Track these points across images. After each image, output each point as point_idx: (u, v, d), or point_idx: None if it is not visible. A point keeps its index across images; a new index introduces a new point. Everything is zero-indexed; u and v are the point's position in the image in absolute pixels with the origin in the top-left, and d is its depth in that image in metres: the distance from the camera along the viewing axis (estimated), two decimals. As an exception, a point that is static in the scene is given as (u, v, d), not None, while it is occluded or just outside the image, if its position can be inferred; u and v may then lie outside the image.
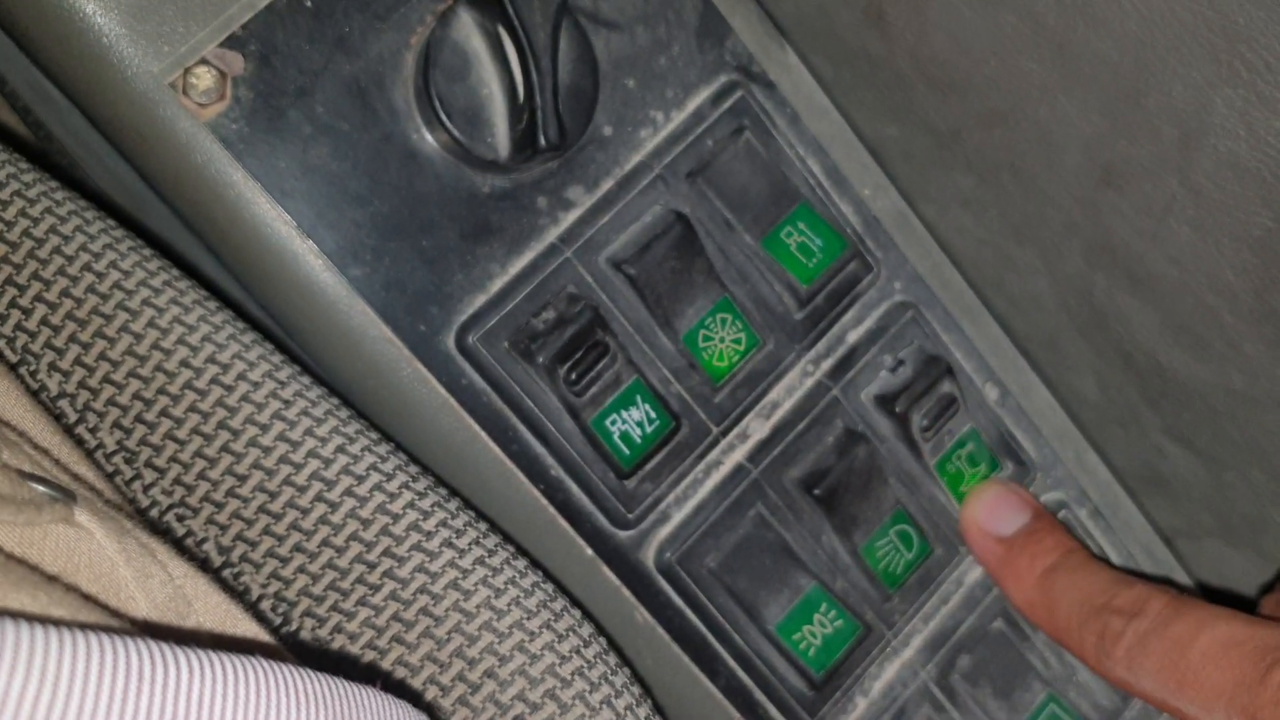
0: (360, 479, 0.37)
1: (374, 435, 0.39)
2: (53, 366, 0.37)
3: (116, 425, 0.37)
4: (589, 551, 0.44)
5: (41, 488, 0.26)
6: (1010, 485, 0.50)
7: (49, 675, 0.18)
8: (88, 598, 0.25)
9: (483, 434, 0.43)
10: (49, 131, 0.55)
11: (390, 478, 0.37)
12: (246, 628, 0.29)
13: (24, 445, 0.28)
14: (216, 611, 0.29)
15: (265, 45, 0.41)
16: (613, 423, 0.44)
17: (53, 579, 0.24)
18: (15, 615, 0.21)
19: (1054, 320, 0.54)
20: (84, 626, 0.20)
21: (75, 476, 0.33)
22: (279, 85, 0.41)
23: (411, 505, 0.37)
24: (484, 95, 0.41)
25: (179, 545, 0.36)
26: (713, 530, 0.45)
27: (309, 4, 0.41)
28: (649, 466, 0.45)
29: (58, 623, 0.20)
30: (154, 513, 0.37)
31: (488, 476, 0.43)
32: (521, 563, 0.38)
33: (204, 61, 0.40)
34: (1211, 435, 0.52)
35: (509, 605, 0.36)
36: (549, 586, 0.38)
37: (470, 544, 0.37)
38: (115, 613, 0.26)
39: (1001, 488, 0.49)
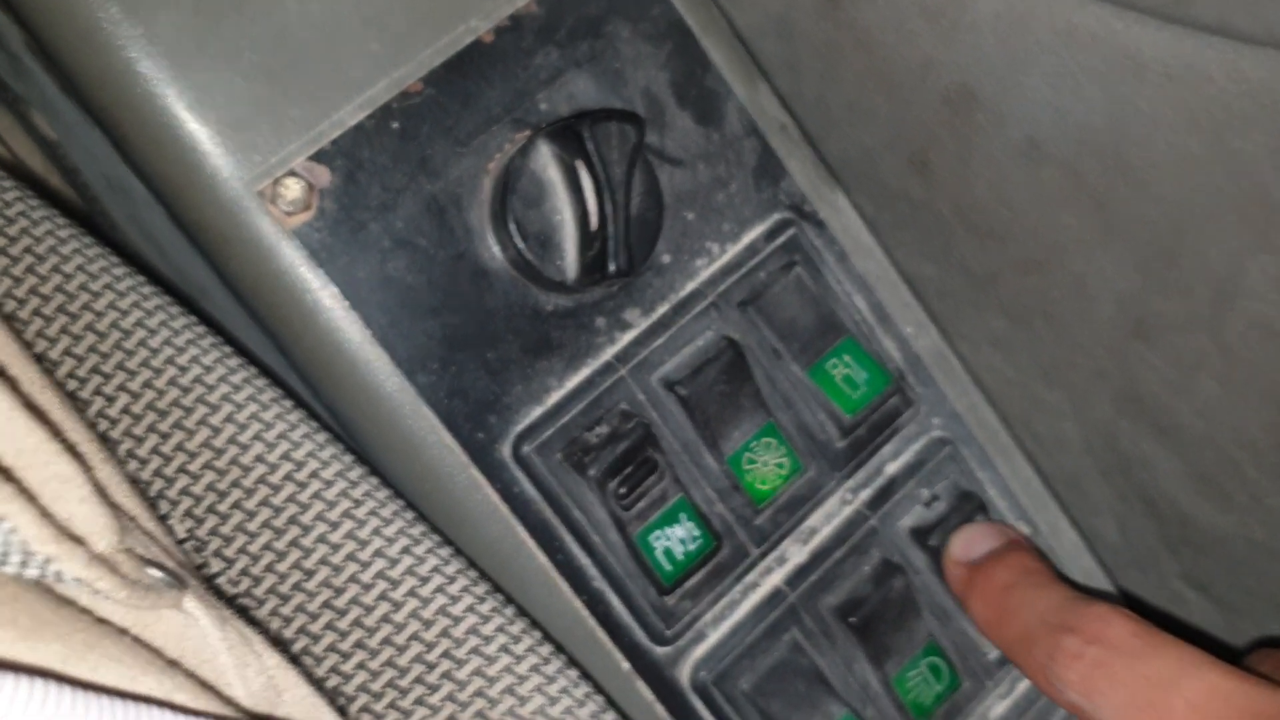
0: (424, 580, 0.38)
1: (436, 538, 0.40)
2: (130, 454, 0.39)
3: (188, 514, 0.38)
4: (625, 665, 0.45)
5: (158, 573, 0.27)
6: (991, 522, 0.50)
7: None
8: (204, 684, 0.26)
9: (530, 542, 0.44)
10: (113, 221, 0.57)
11: (452, 580, 0.38)
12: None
13: (136, 530, 0.30)
14: (303, 704, 0.30)
15: (351, 161, 0.43)
16: (656, 538, 0.45)
17: (174, 664, 0.25)
18: (147, 700, 0.22)
19: (1078, 462, 0.55)
20: (213, 717, 0.21)
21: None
22: (362, 199, 0.43)
23: (472, 609, 0.38)
24: (556, 221, 0.43)
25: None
26: (748, 652, 0.46)
27: (395, 125, 0.43)
28: (689, 584, 0.46)
29: (183, 709, 0.22)
30: (217, 603, 0.38)
31: (532, 584, 0.44)
32: (574, 672, 0.39)
33: (293, 173, 0.42)
34: (1229, 584, 0.54)
35: (563, 714, 0.37)
36: (599, 699, 0.39)
37: (527, 650, 0.38)
38: (226, 700, 0.27)
39: (980, 524, 0.49)
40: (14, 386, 0.27)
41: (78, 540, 0.25)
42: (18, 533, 0.23)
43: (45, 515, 0.24)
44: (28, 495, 0.24)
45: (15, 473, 0.24)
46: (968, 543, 0.48)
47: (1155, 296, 0.47)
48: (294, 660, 0.37)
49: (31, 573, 0.24)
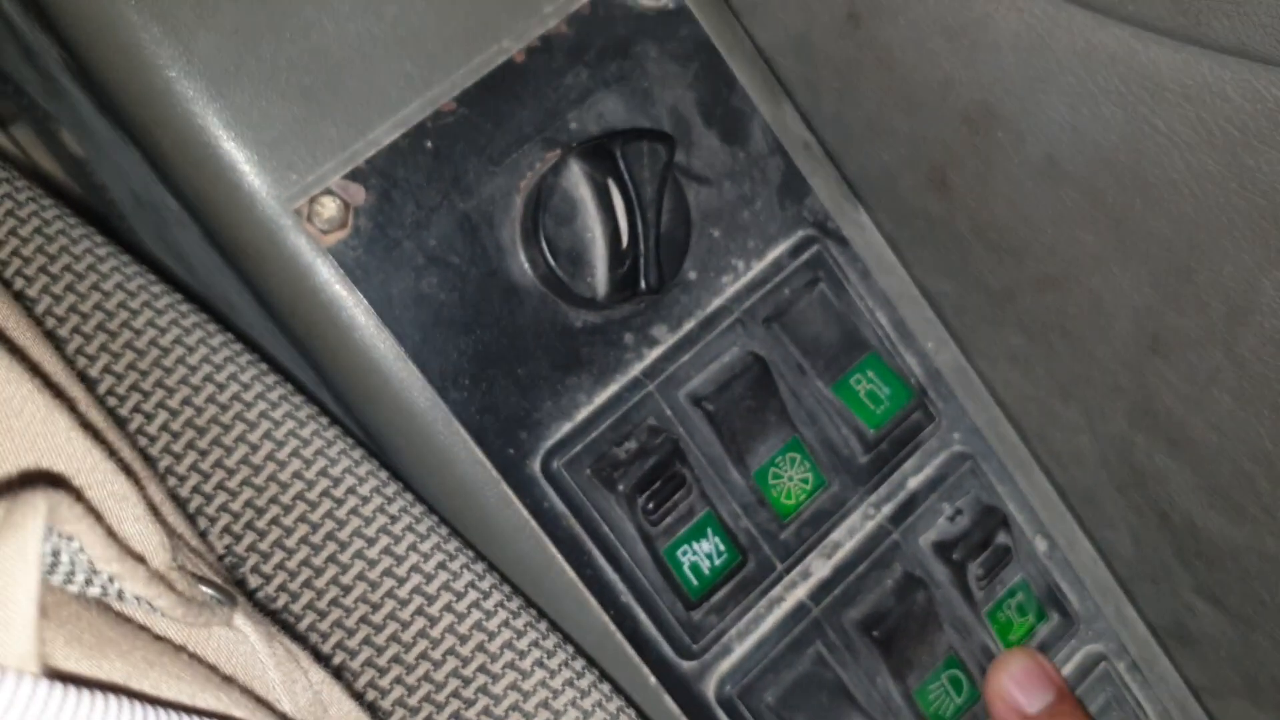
0: (459, 595, 0.38)
1: (470, 554, 0.40)
2: (169, 471, 0.39)
3: (226, 531, 0.39)
4: (653, 680, 0.46)
5: (209, 590, 0.28)
6: (1037, 657, 0.50)
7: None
8: (258, 700, 0.27)
9: (559, 557, 0.45)
10: (139, 239, 0.57)
11: (487, 595, 0.39)
12: (376, 735, 0.30)
13: (184, 548, 0.30)
14: (349, 718, 0.30)
15: (386, 180, 0.43)
16: (684, 553, 0.46)
17: (229, 680, 0.26)
18: (206, 714, 0.22)
19: (1093, 476, 0.56)
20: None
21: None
22: (396, 217, 0.43)
23: (506, 624, 0.38)
24: (587, 239, 0.44)
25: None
26: (773, 666, 0.47)
27: (429, 145, 0.44)
28: (715, 599, 0.46)
29: (245, 722, 0.22)
30: (255, 618, 0.38)
31: (561, 599, 0.45)
32: (606, 686, 0.39)
33: (329, 192, 0.43)
34: (1242, 597, 0.54)
35: (597, 727, 0.38)
36: (632, 712, 0.39)
37: (560, 665, 0.39)
38: (280, 715, 0.27)
39: (1030, 660, 0.50)
40: (72, 406, 0.28)
41: (138, 558, 0.25)
42: (84, 552, 0.24)
43: (110, 534, 0.24)
44: (95, 514, 0.24)
45: (83, 493, 0.25)
46: (1021, 684, 0.49)
47: (1170, 312, 0.48)
48: (334, 675, 0.37)
49: (94, 591, 0.24)
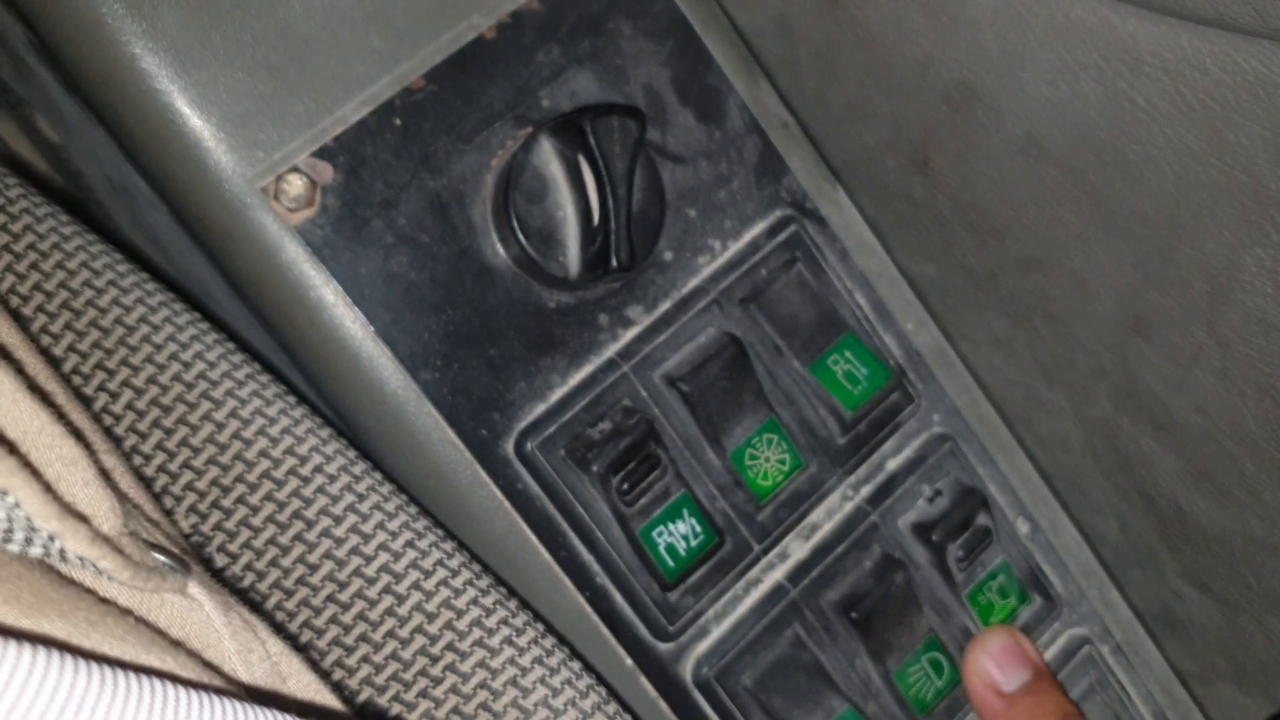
0: (427, 574, 0.38)
1: (440, 533, 0.40)
2: (134, 449, 0.39)
3: (192, 510, 0.38)
4: (629, 662, 0.45)
5: (163, 558, 0.27)
6: (1016, 636, 0.50)
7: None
8: (206, 664, 0.26)
9: (534, 539, 0.44)
10: (116, 224, 0.57)
11: (455, 574, 0.38)
12: (334, 706, 0.30)
13: (140, 516, 0.30)
14: (308, 690, 0.30)
15: (355, 158, 0.43)
16: (659, 534, 0.45)
17: (177, 644, 0.25)
18: (148, 672, 0.22)
19: (1079, 461, 0.55)
20: (214, 689, 0.22)
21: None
22: (365, 196, 0.43)
23: (475, 602, 0.38)
24: (559, 217, 0.44)
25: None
26: (750, 648, 0.46)
27: (398, 122, 0.44)
28: (691, 580, 0.46)
29: (185, 682, 0.22)
30: (221, 597, 0.38)
31: (536, 580, 0.45)
32: (577, 664, 0.39)
33: (296, 169, 0.42)
34: (1229, 581, 0.54)
35: (565, 705, 0.37)
36: (602, 690, 0.39)
37: (529, 643, 0.38)
38: (230, 680, 0.27)
39: (1008, 639, 0.50)
40: (20, 369, 0.27)
41: (82, 519, 0.25)
42: (21, 508, 0.23)
43: (49, 492, 0.24)
44: (31, 471, 0.24)
45: (20, 450, 0.24)
46: (998, 662, 0.49)
47: (1153, 292, 0.47)
48: (298, 652, 0.37)
49: (35, 551, 0.24)
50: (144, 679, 0.21)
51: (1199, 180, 0.43)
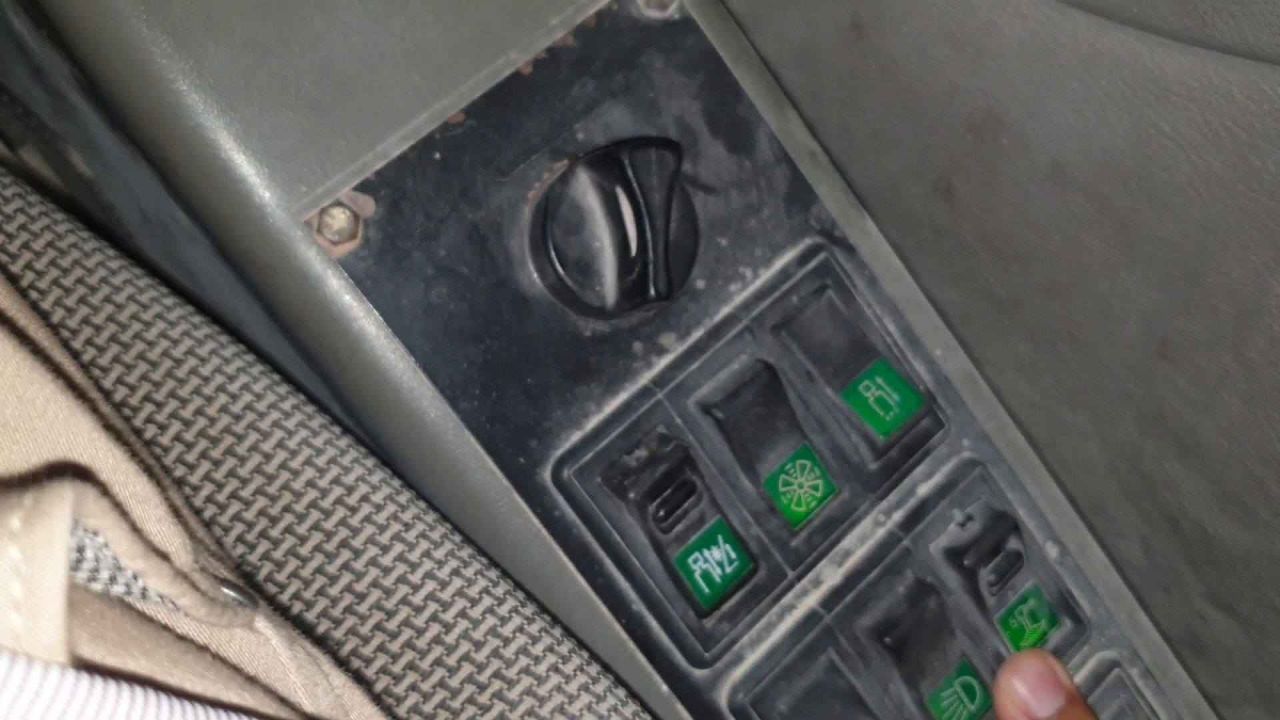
0: (473, 601, 0.38)
1: (484, 560, 0.40)
2: (183, 481, 0.39)
3: (240, 540, 0.39)
4: (665, 689, 0.45)
5: (231, 592, 0.28)
6: (1050, 660, 0.50)
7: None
8: (282, 701, 0.27)
9: (571, 566, 0.45)
10: (147, 258, 0.57)
11: (501, 601, 0.39)
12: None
13: (205, 551, 0.30)
14: (370, 721, 0.30)
15: (396, 191, 0.44)
16: (695, 561, 0.46)
17: (252, 680, 0.26)
18: (232, 709, 0.22)
19: (1103, 484, 0.56)
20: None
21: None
22: (406, 229, 0.44)
23: (521, 629, 0.38)
24: (595, 248, 0.44)
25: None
26: (785, 674, 0.47)
27: (437, 156, 0.44)
28: (726, 606, 0.46)
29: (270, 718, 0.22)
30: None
31: (573, 607, 0.45)
32: (622, 691, 0.39)
33: (339, 203, 0.43)
34: (1254, 603, 0.54)
35: (613, 732, 0.37)
36: (647, 717, 0.39)
37: (576, 670, 0.38)
38: (306, 717, 0.27)
39: (1041, 663, 0.50)
40: (94, 408, 0.28)
41: (164, 557, 0.25)
42: (109, 548, 0.24)
43: (135, 532, 0.24)
44: (121, 512, 0.24)
45: (111, 491, 0.25)
46: (1032, 688, 0.49)
47: (1179, 316, 0.48)
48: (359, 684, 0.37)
49: (118, 589, 0.24)
50: (232, 716, 0.21)
51: (1226, 206, 0.44)
